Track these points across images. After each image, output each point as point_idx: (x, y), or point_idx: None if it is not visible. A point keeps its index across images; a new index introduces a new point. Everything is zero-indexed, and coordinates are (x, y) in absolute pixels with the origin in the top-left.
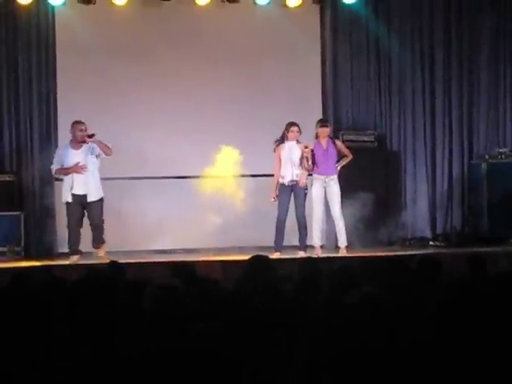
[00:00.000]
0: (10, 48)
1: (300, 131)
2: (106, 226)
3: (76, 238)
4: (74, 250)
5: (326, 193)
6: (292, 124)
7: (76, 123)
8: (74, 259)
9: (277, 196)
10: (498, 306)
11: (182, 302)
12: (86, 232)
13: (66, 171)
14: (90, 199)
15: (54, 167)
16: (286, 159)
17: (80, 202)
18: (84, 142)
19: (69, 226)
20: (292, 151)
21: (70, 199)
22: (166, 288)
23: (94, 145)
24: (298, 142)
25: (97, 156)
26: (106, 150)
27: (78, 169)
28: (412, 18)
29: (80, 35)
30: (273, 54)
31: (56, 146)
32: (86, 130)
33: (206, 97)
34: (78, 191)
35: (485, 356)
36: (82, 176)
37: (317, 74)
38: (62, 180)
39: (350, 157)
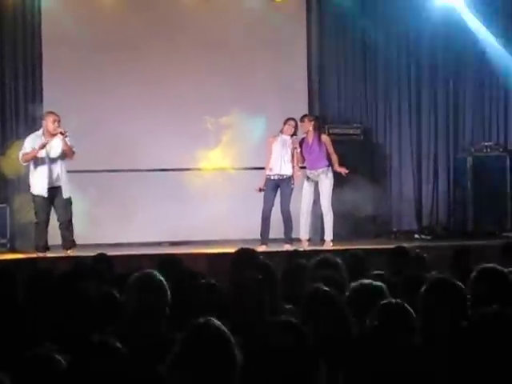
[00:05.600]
0: None
1: (296, 127)
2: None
3: (46, 234)
4: (41, 246)
5: (318, 186)
6: (290, 118)
7: (49, 114)
8: (41, 256)
9: (261, 189)
10: (480, 301)
11: (163, 294)
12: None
13: (34, 153)
14: (64, 193)
15: (22, 152)
16: (277, 152)
17: (50, 195)
18: (55, 134)
19: (39, 222)
20: (284, 145)
21: (45, 193)
22: (146, 280)
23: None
24: (292, 136)
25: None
26: (70, 153)
27: (40, 146)
28: (398, 13)
29: (66, 28)
30: (259, 47)
31: None
32: (59, 122)
33: (192, 91)
34: (53, 184)
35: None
36: (56, 169)
37: (303, 67)
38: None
39: (334, 157)
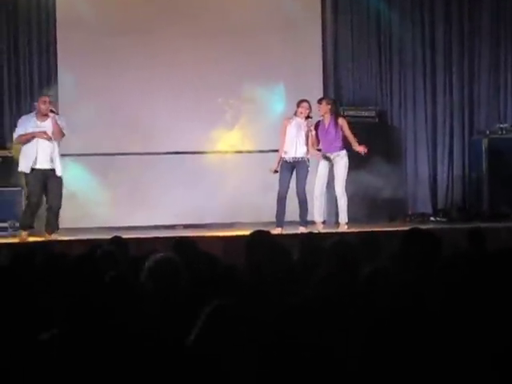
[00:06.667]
0: (11, 27)
1: (310, 108)
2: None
3: (32, 214)
4: (27, 224)
5: (333, 169)
6: (303, 100)
7: (40, 96)
8: (23, 235)
9: (275, 171)
10: (496, 282)
11: (181, 277)
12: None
13: (30, 135)
14: (57, 173)
15: (17, 133)
16: (292, 135)
17: (43, 176)
18: (47, 115)
19: (30, 201)
20: (299, 128)
21: (28, 170)
22: (164, 263)
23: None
24: (307, 118)
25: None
26: (58, 133)
27: (41, 134)
28: None
29: (81, 11)
30: (274, 30)
31: None
32: (50, 103)
33: (206, 73)
34: (43, 165)
35: (484, 331)
36: (47, 150)
37: (318, 50)
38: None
39: (352, 138)
